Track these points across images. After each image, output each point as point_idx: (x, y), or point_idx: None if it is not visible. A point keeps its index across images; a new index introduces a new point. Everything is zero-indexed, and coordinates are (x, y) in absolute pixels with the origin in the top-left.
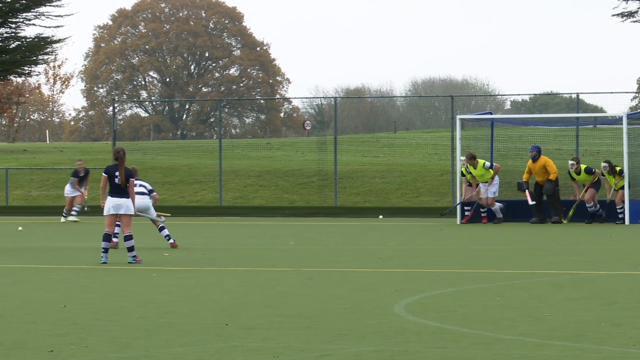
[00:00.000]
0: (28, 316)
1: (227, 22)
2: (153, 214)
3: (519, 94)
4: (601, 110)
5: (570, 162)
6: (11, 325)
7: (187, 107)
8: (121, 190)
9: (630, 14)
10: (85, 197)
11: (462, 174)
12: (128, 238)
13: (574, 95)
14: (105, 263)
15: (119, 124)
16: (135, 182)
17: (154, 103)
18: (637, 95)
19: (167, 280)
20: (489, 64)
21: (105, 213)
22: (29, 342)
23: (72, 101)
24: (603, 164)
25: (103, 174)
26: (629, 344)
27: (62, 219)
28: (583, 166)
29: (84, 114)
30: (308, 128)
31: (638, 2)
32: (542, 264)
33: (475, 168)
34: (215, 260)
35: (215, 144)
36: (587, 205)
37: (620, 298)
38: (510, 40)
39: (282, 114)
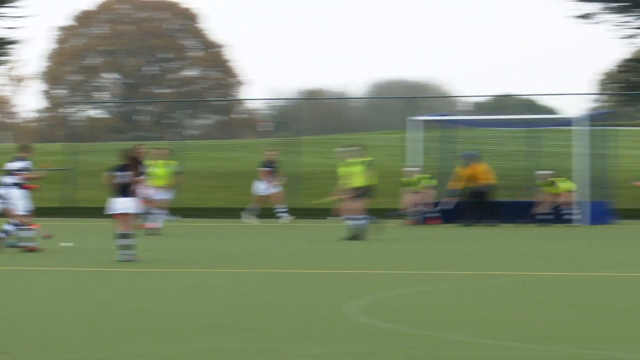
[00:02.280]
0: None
1: (185, 23)
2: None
3: (476, 95)
4: (557, 111)
5: (543, 173)
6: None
7: (146, 108)
8: (127, 190)
9: (587, 15)
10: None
11: (404, 185)
12: (130, 236)
13: (530, 97)
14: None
15: (77, 125)
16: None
17: (113, 104)
18: (594, 96)
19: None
20: (446, 66)
21: (113, 212)
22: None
23: (30, 102)
24: (544, 173)
25: (109, 173)
26: (599, 346)
27: (247, 219)
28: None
29: (42, 115)
30: (266, 129)
31: (593, 3)
32: (505, 265)
33: (158, 167)
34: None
35: (174, 145)
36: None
37: (590, 299)
38: (466, 41)
39: (240, 115)
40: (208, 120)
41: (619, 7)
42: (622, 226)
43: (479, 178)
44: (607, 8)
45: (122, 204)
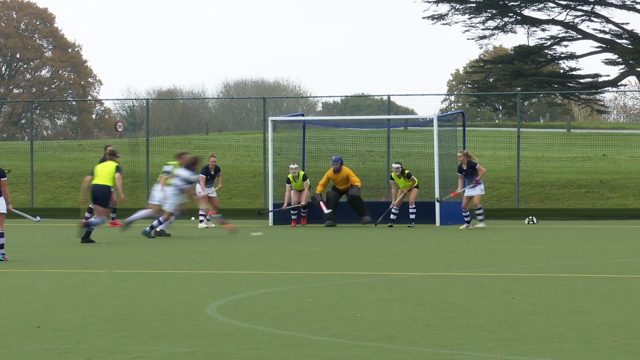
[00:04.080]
0: None
1: (38, 23)
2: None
3: (330, 96)
4: (412, 112)
5: (395, 165)
6: None
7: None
8: None
9: (440, 17)
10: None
11: (288, 181)
12: None
13: (385, 97)
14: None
15: None
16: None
17: None
18: (447, 97)
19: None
20: (300, 66)
21: None
22: None
23: None
24: (395, 165)
25: None
26: (440, 345)
27: (203, 224)
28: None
29: None
30: (120, 130)
31: (447, 5)
32: (355, 265)
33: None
34: (27, 262)
35: (27, 145)
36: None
37: (431, 299)
38: (321, 42)
39: (94, 116)
40: (62, 120)
41: (468, 9)
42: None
43: (351, 179)
44: (455, 9)
45: None
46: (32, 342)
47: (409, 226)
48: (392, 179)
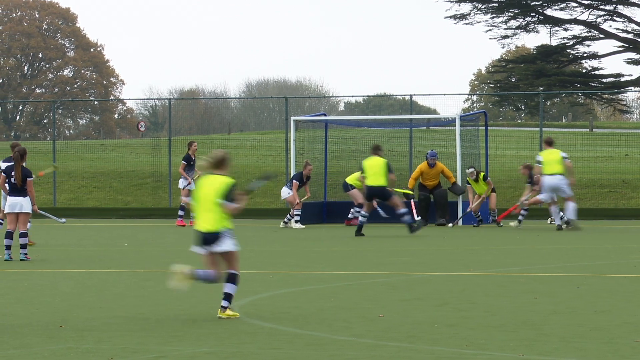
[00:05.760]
0: None
1: (60, 23)
2: None
3: (352, 96)
4: (434, 111)
5: (469, 170)
6: None
7: (20, 108)
8: (18, 190)
9: (463, 17)
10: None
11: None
12: (23, 235)
13: (407, 97)
14: (8, 260)
15: None
16: None
17: None
18: (469, 97)
19: (0, 282)
20: (322, 66)
21: (6, 211)
22: None
23: None
24: (469, 170)
25: (2, 173)
26: (462, 345)
27: (298, 225)
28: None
29: None
30: (142, 129)
31: (470, 4)
32: (376, 265)
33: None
34: (49, 262)
35: (49, 145)
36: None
37: (452, 299)
38: (343, 42)
39: (116, 115)
40: (84, 120)
41: (490, 8)
42: (491, 226)
43: (446, 174)
44: (478, 9)
45: (14, 203)
46: (54, 342)
47: (499, 224)
48: (469, 183)
